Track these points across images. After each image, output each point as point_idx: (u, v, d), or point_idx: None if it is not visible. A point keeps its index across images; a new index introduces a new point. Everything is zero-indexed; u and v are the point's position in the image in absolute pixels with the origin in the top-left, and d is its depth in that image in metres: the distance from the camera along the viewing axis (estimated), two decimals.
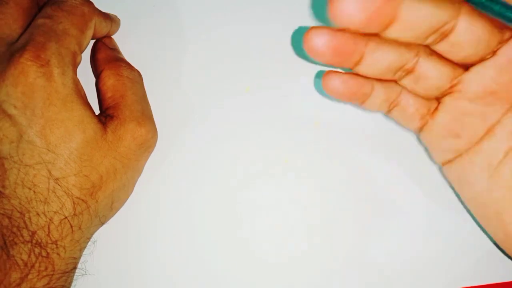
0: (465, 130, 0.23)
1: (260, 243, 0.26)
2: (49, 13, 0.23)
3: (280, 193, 0.27)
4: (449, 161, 0.24)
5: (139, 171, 0.26)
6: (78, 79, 0.24)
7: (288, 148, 0.27)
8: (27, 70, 0.22)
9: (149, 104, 0.26)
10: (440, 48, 0.21)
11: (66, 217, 0.22)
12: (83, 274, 0.24)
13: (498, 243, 0.24)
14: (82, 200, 0.23)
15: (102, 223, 0.25)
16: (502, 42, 0.21)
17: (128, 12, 0.30)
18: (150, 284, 0.25)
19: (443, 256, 0.26)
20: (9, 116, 0.22)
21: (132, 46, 0.29)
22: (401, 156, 0.27)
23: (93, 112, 0.23)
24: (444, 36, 0.20)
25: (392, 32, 0.20)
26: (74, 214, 0.22)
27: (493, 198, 0.23)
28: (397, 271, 0.26)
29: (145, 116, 0.25)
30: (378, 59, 0.21)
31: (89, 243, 0.25)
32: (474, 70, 0.21)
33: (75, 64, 0.24)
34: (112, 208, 0.25)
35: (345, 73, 0.23)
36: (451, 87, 0.22)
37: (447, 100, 0.23)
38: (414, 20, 0.19)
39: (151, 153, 0.26)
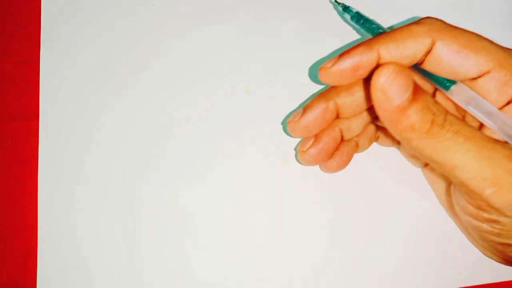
0: None
1: (260, 244, 0.26)
2: None
3: (279, 193, 0.27)
4: (423, 166, 0.27)
5: None
6: None
7: (287, 148, 0.27)
8: None
9: None
10: None
11: None
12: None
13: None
14: None
15: None
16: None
17: (127, 11, 0.30)
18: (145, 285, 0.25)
19: (442, 256, 0.26)
20: None
21: (131, 45, 0.29)
22: (401, 156, 0.27)
23: None
24: None
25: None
26: None
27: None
28: (396, 271, 0.26)
29: None
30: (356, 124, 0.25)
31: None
32: None
33: None
34: None
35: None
36: None
37: None
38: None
39: None
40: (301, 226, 0.26)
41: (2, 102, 0.28)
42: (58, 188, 0.27)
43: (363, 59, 0.21)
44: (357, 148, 0.26)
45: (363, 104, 0.24)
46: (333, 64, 0.22)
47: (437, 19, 0.21)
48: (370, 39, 0.22)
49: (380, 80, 0.19)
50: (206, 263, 0.26)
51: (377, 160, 0.27)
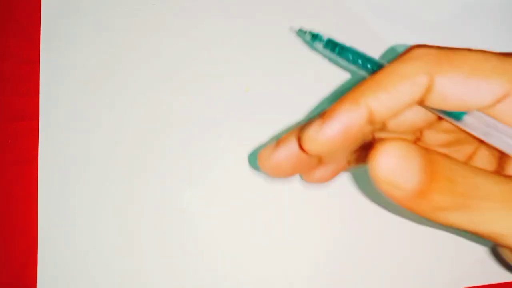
0: None
1: (260, 244, 0.26)
2: None
3: (279, 194, 0.27)
4: None
5: None
6: None
7: None
8: None
9: None
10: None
11: None
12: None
13: None
14: None
15: None
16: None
17: (127, 11, 0.30)
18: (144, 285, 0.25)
19: (443, 257, 0.26)
20: None
21: (131, 45, 0.29)
22: None
23: None
24: None
25: None
26: None
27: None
28: (397, 271, 0.26)
29: None
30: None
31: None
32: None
33: None
34: None
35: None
36: (416, 140, 0.22)
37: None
38: None
39: None
40: (301, 226, 0.26)
41: (2, 102, 0.28)
42: (58, 188, 0.27)
43: (352, 120, 0.17)
44: (348, 166, 0.22)
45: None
46: (318, 132, 0.17)
47: (428, 47, 0.17)
48: (353, 91, 0.17)
49: (382, 171, 0.14)
50: (206, 263, 0.26)
51: None
